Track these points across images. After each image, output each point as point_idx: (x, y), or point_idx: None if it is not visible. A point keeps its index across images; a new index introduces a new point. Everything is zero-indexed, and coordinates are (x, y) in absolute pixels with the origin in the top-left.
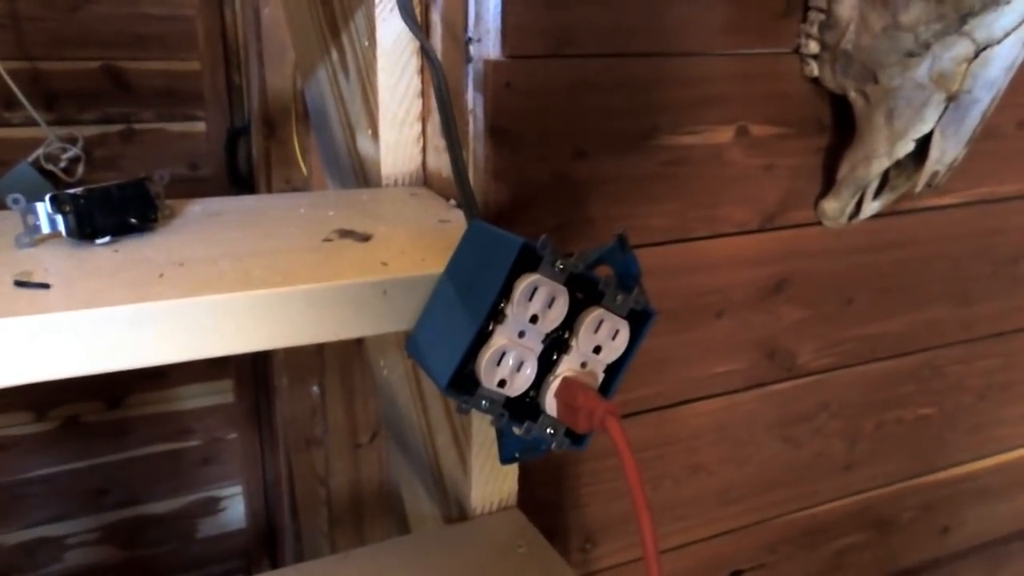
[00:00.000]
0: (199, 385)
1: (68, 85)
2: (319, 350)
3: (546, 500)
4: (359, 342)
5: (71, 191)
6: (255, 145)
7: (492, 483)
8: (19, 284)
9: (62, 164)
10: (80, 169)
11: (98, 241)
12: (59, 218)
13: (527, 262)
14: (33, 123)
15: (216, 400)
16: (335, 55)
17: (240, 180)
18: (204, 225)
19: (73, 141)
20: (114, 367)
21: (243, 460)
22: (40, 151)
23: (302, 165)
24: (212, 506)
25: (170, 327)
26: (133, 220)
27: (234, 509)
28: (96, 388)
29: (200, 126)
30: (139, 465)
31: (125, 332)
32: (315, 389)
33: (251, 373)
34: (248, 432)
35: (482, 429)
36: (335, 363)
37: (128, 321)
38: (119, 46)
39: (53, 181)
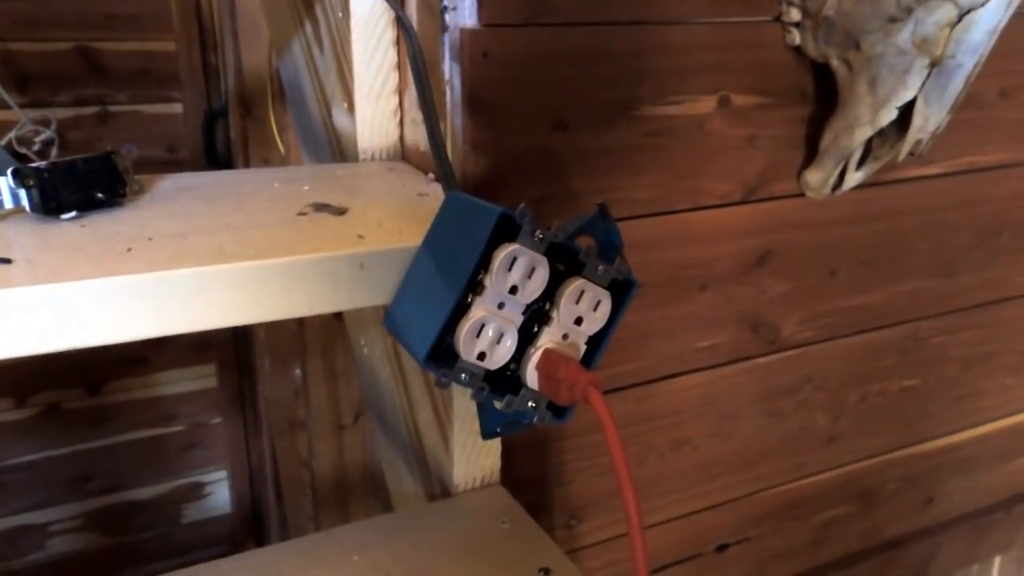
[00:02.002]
0: (181, 370)
1: (40, 67)
2: (300, 332)
3: (530, 477)
4: (340, 322)
5: (35, 164)
6: (232, 125)
7: (474, 460)
8: None
9: (35, 147)
10: (54, 152)
11: (64, 216)
12: (22, 193)
13: (506, 232)
14: (5, 106)
15: (199, 385)
16: (309, 28)
17: (218, 162)
18: (174, 200)
19: (46, 124)
20: (80, 344)
21: (227, 445)
22: (12, 134)
23: (279, 143)
24: (197, 491)
25: (139, 302)
26: (100, 195)
27: (219, 494)
28: (76, 374)
29: (177, 108)
30: (122, 451)
31: (91, 308)
32: (297, 372)
33: (234, 357)
34: (232, 416)
35: (463, 405)
36: (317, 345)
37: (94, 296)
38: (92, 26)
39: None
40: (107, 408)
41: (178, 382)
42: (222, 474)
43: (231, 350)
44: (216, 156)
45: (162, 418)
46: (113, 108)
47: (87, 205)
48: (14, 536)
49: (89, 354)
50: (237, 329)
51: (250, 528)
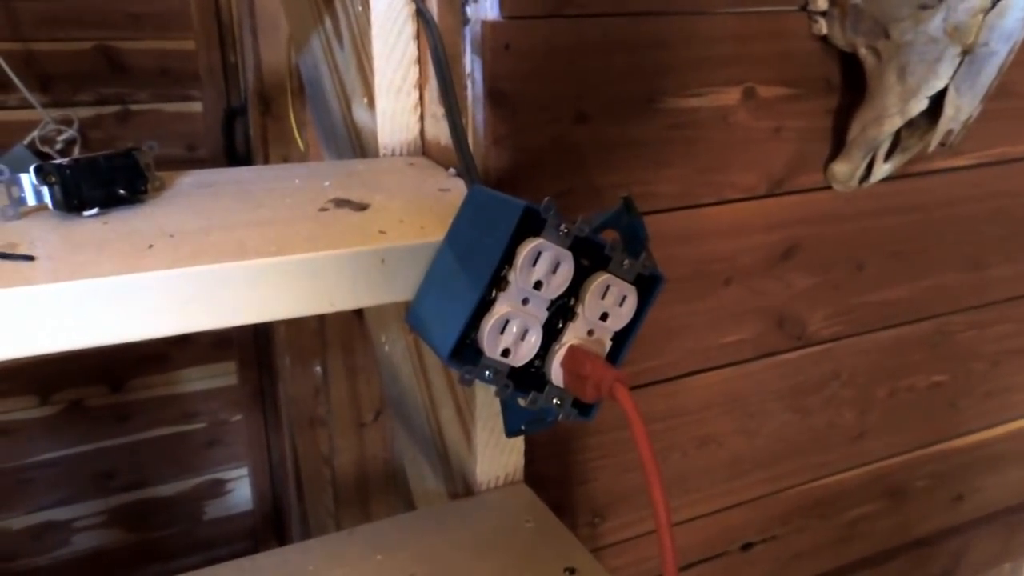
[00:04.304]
0: (202, 367)
1: (62, 67)
2: (320, 329)
3: (553, 474)
4: (361, 319)
5: (56, 162)
6: (252, 122)
7: (497, 457)
8: (2, 256)
9: (58, 146)
10: (76, 151)
11: (86, 213)
12: (45, 190)
13: (530, 226)
14: (28, 106)
15: (220, 382)
16: (328, 23)
17: (238, 160)
18: (196, 197)
19: (69, 123)
20: (102, 341)
21: (248, 442)
22: (35, 134)
23: (299, 140)
24: (218, 488)
25: (160, 299)
26: (122, 191)
27: (240, 491)
28: (99, 372)
29: (197, 106)
30: (145, 448)
31: (113, 305)
32: (318, 369)
33: (254, 354)
34: (253, 414)
35: (486, 402)
36: (337, 342)
37: (115, 293)
38: (112, 26)
39: None
40: (129, 405)
41: (199, 379)
42: (243, 471)
43: (251, 348)
44: (236, 154)
45: (183, 415)
46: (134, 107)
47: (109, 202)
48: (39, 532)
49: (111, 352)
50: (257, 326)
51: (272, 525)
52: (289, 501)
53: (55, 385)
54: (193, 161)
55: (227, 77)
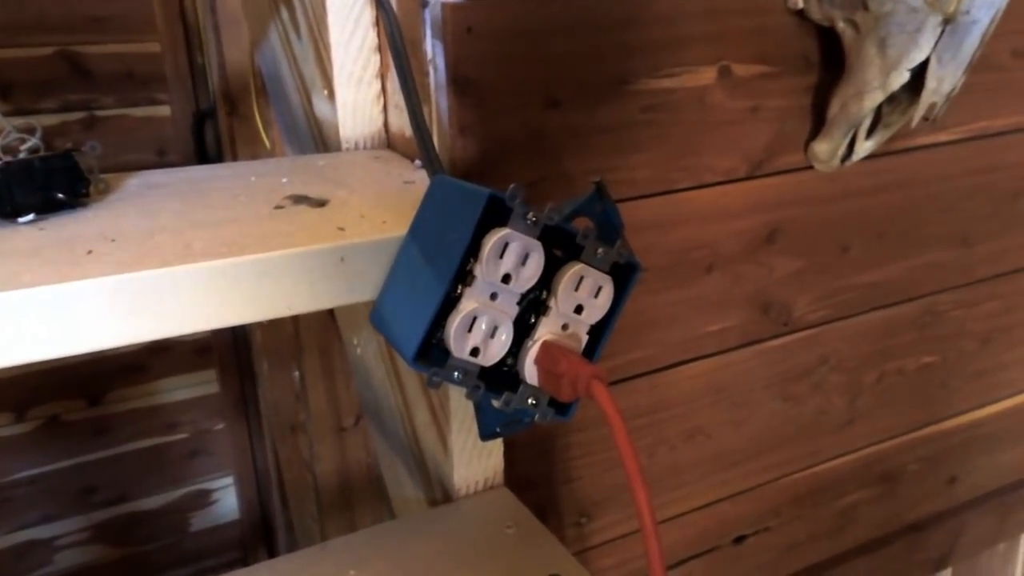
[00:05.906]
0: (182, 377)
1: (24, 73)
2: (295, 332)
3: (535, 476)
4: (335, 320)
5: None
6: (220, 123)
7: (475, 462)
8: None
9: (21, 156)
10: None
11: (20, 219)
12: None
13: (496, 215)
14: None
15: (201, 391)
16: (285, 14)
17: (209, 164)
18: (142, 198)
19: (32, 131)
20: (36, 357)
21: (232, 450)
22: None
23: (264, 139)
24: (204, 499)
25: (99, 308)
26: (61, 196)
27: (226, 501)
28: (76, 386)
29: (165, 110)
30: (126, 461)
31: (46, 316)
32: (296, 373)
33: (235, 361)
34: (236, 422)
35: (461, 405)
36: (313, 345)
37: (48, 304)
38: (74, 30)
39: None
40: (108, 418)
41: (179, 389)
42: (228, 480)
43: (232, 354)
44: (207, 158)
45: (165, 426)
46: (100, 113)
47: (47, 207)
48: (21, 552)
49: (87, 364)
50: (237, 332)
51: (260, 534)
52: (275, 510)
53: (31, 401)
54: (163, 166)
55: (195, 79)
